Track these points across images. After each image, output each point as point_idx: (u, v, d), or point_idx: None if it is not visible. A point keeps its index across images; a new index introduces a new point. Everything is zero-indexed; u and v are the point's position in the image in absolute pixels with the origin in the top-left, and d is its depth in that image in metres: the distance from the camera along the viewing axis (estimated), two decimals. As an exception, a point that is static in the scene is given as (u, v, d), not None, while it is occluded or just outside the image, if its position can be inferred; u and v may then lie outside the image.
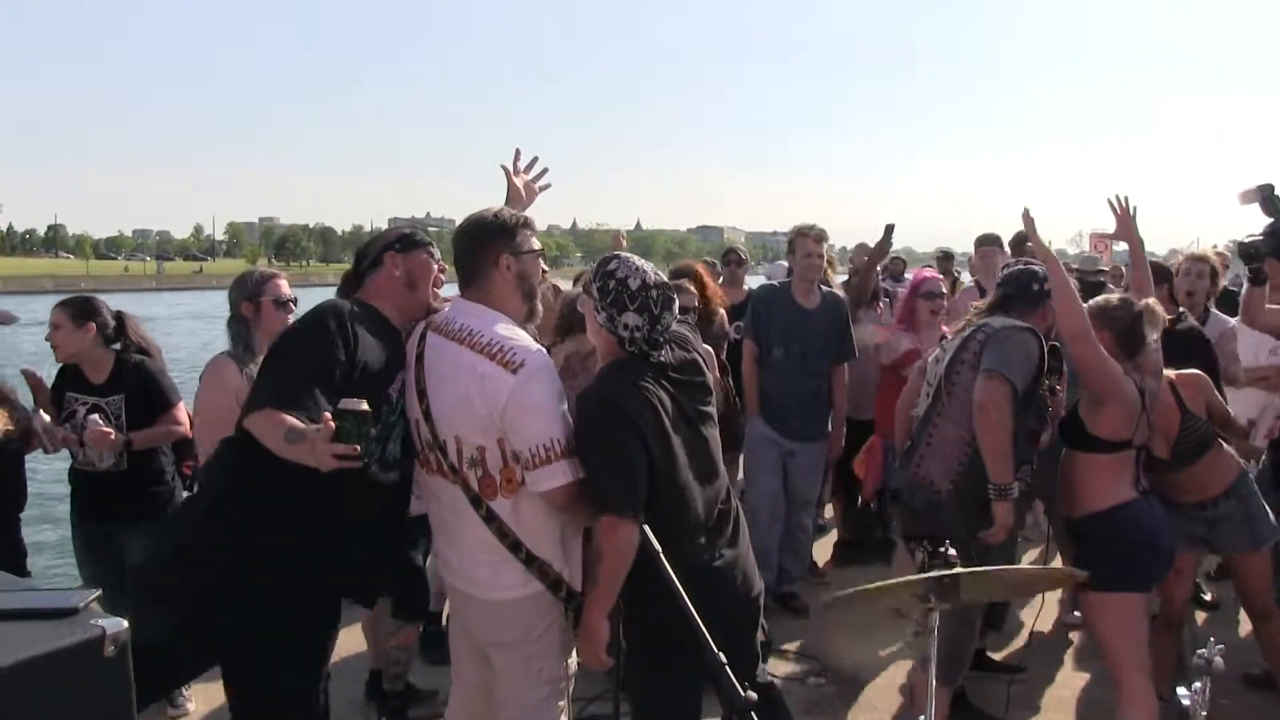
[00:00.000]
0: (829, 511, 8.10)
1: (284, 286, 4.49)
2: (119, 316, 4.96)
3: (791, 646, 5.86)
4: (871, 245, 7.27)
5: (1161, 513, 4.34)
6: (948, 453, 4.31)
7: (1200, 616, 6.27)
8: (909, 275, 8.77)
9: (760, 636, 3.67)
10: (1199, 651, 3.00)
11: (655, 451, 3.16)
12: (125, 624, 2.42)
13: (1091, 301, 4.43)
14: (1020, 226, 4.72)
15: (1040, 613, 5.07)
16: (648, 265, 3.32)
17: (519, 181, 3.98)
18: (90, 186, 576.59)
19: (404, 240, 3.47)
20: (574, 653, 3.45)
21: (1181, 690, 2.92)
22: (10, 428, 4.70)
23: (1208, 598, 6.57)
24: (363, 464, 2.81)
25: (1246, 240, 5.05)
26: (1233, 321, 6.03)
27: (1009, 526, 4.19)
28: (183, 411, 5.01)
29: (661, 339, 3.29)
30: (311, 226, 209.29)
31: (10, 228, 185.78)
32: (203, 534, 3.24)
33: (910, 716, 4.94)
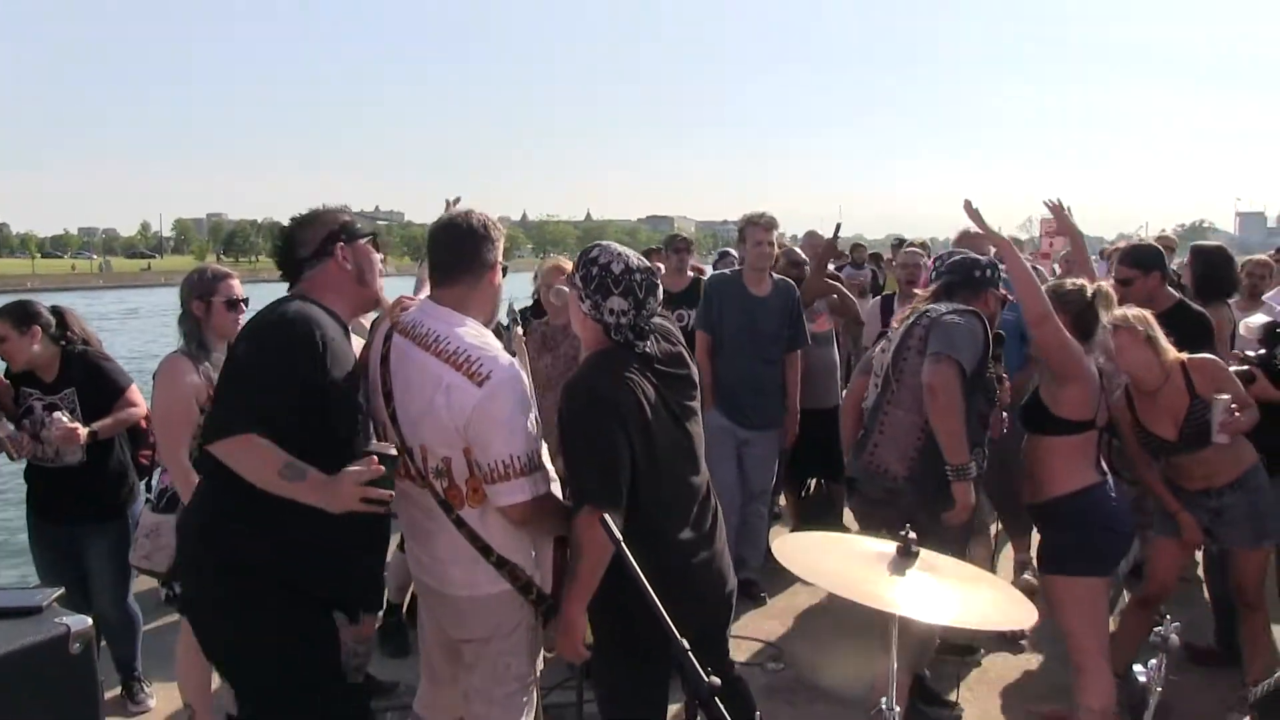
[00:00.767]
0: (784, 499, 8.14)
1: (236, 287, 4.42)
2: (57, 312, 4.94)
3: (748, 633, 5.91)
4: (822, 233, 7.33)
5: (1122, 495, 4.41)
6: (901, 439, 4.32)
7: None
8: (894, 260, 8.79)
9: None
10: (1156, 629, 3.04)
11: (639, 446, 3.16)
12: (89, 621, 2.44)
13: (1045, 287, 4.51)
14: (965, 221, 4.78)
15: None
16: (629, 251, 3.32)
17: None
18: (34, 185, 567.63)
19: (348, 230, 3.32)
20: (540, 651, 3.47)
21: (1138, 667, 2.97)
22: None
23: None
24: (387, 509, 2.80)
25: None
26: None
27: (970, 506, 4.20)
28: (136, 393, 5.00)
29: (646, 326, 3.29)
30: (260, 222, 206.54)
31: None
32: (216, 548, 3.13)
33: (869, 699, 5.00)
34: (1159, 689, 2.88)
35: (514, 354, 3.50)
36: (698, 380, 3.52)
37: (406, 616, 5.57)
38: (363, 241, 3.35)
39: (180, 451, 4.24)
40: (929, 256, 6.73)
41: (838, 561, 2.70)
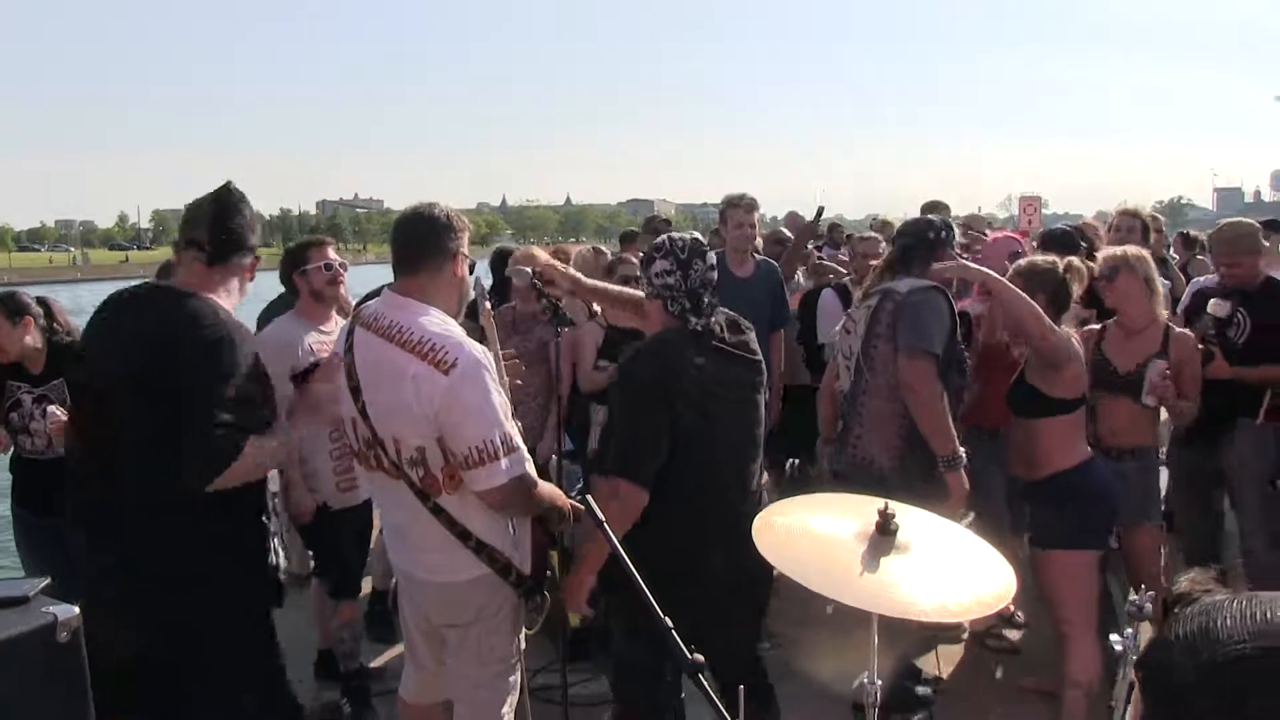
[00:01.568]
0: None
1: None
2: (43, 304, 4.93)
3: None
4: (802, 214, 7.36)
5: (1109, 469, 4.48)
6: (884, 429, 4.31)
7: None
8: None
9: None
10: (1131, 599, 3.07)
11: (688, 425, 3.33)
12: (76, 610, 2.43)
13: (1017, 266, 4.56)
14: (929, 198, 4.83)
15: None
16: (680, 233, 3.56)
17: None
18: (9, 177, 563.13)
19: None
20: (524, 630, 3.50)
21: (1114, 637, 2.99)
22: None
23: None
24: None
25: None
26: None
27: (964, 495, 4.20)
28: None
29: (703, 297, 3.45)
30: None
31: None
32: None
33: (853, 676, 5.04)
34: (1135, 658, 2.90)
35: (483, 329, 3.63)
36: (764, 370, 3.66)
37: (393, 604, 5.59)
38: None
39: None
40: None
41: (815, 547, 2.68)
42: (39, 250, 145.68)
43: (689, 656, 2.46)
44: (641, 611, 2.33)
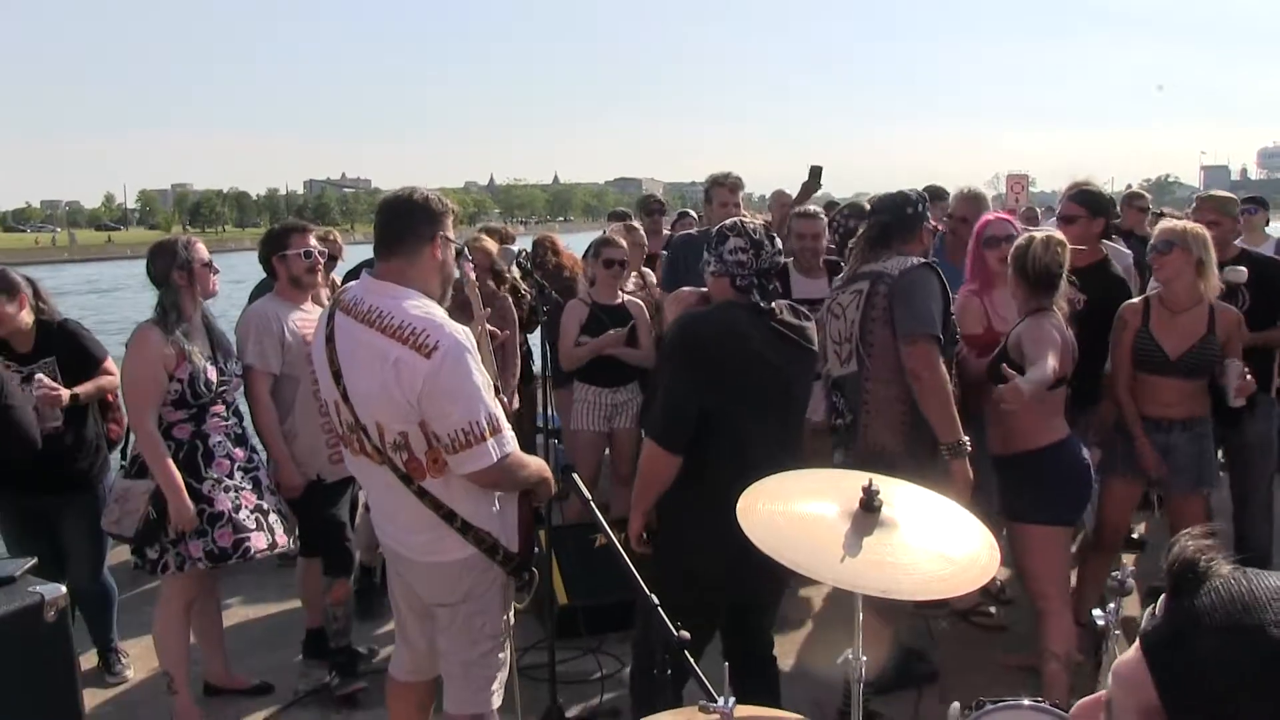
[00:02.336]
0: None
1: (204, 247, 4.58)
2: (31, 283, 4.90)
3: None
4: (789, 192, 7.29)
5: (1083, 449, 4.48)
6: (890, 413, 4.26)
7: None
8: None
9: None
10: (1113, 573, 3.10)
11: (730, 397, 3.44)
12: (63, 589, 2.45)
13: (1016, 242, 4.54)
14: (919, 178, 4.80)
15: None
16: (757, 220, 3.72)
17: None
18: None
19: None
20: (513, 606, 3.52)
21: (1096, 612, 3.00)
22: None
23: (1135, 535, 6.69)
24: None
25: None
26: (1131, 256, 6.28)
27: (969, 483, 4.15)
28: (112, 364, 4.99)
29: (770, 275, 3.57)
30: (226, 192, 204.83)
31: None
32: None
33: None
34: (1117, 632, 2.93)
35: (468, 300, 3.72)
36: (816, 356, 3.80)
37: (381, 580, 5.59)
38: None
39: (147, 418, 4.28)
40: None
41: (800, 526, 2.68)
42: (24, 231, 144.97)
43: (675, 633, 2.48)
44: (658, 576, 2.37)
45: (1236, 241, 5.67)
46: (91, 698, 4.66)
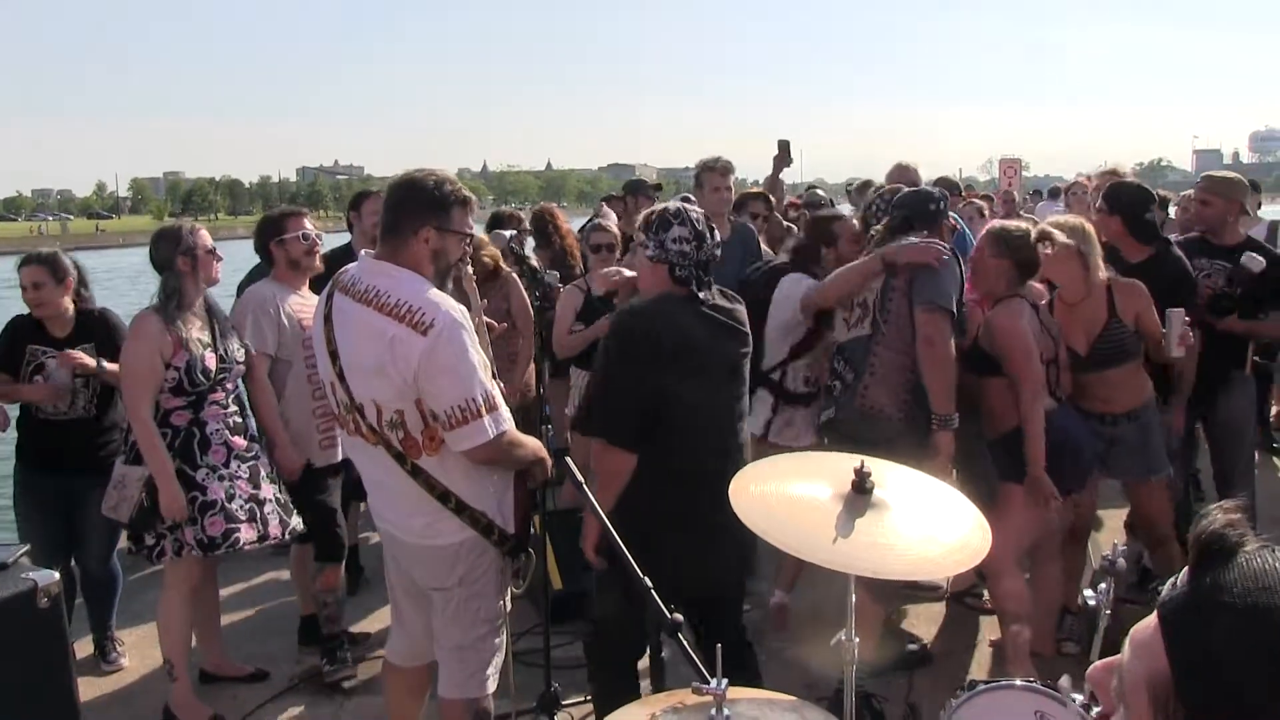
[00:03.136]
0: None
1: (207, 234, 4.60)
2: (78, 268, 4.99)
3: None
4: (782, 181, 7.31)
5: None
6: (894, 380, 4.38)
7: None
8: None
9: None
10: (1103, 554, 3.10)
11: (674, 389, 3.35)
12: (56, 576, 2.45)
13: (989, 229, 4.60)
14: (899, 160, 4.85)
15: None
16: (697, 209, 3.59)
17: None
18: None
19: None
20: (508, 590, 3.53)
21: (1088, 592, 3.01)
22: None
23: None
24: None
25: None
26: None
27: (951, 455, 4.30)
28: None
29: (708, 267, 3.52)
30: (218, 179, 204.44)
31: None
32: None
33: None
34: (1108, 612, 2.94)
35: (465, 294, 3.67)
36: (749, 341, 3.71)
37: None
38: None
39: (143, 406, 4.28)
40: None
41: (791, 508, 2.68)
42: (16, 220, 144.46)
43: (669, 616, 2.49)
44: (621, 571, 2.36)
45: (1245, 230, 5.66)
46: (86, 686, 4.67)
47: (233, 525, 4.35)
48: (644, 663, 3.55)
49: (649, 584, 2.55)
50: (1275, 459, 8.30)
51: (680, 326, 3.41)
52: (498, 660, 3.50)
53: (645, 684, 3.60)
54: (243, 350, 4.55)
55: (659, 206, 3.59)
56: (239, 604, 5.94)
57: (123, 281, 34.16)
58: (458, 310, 3.16)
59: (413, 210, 3.24)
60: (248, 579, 6.25)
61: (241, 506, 4.40)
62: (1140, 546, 5.24)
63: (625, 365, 3.42)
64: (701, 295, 3.49)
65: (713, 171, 6.31)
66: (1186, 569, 1.07)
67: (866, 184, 11.41)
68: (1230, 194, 5.47)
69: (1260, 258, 5.19)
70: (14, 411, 4.95)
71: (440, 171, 3.33)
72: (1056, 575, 4.89)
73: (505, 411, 3.21)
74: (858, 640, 2.76)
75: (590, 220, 6.65)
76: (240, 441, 4.50)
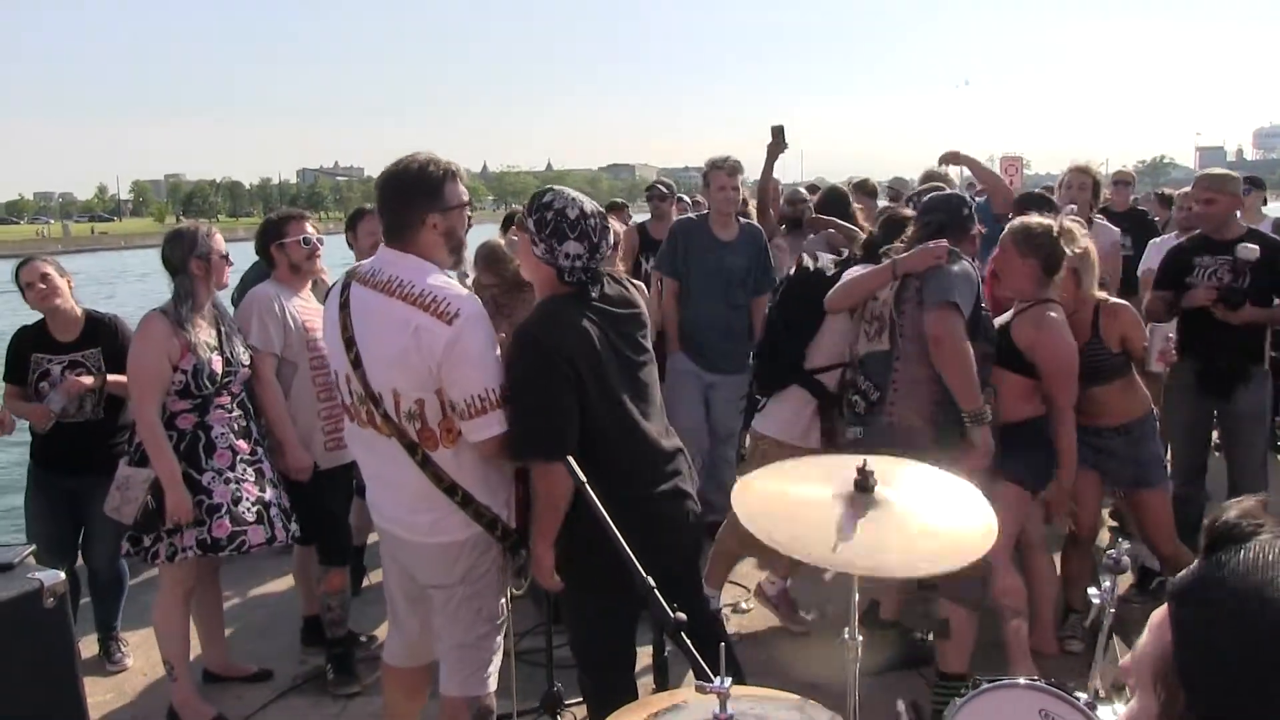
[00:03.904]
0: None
1: (221, 238, 4.61)
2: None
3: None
4: (782, 180, 7.28)
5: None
6: (919, 393, 4.29)
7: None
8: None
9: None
10: (1108, 552, 3.09)
11: (592, 390, 3.21)
12: (62, 575, 2.45)
13: (1011, 226, 4.57)
14: (930, 164, 4.82)
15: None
16: (582, 196, 3.35)
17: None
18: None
19: None
20: (509, 589, 3.53)
21: (1092, 590, 3.01)
22: None
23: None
24: None
25: None
26: (1118, 232, 6.51)
27: (989, 451, 4.22)
28: None
29: (600, 270, 3.35)
30: (219, 181, 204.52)
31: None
32: None
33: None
34: (1112, 610, 2.94)
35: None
36: (648, 321, 3.55)
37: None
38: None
39: (149, 407, 4.29)
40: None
41: (794, 509, 2.67)
42: (18, 223, 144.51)
43: (672, 615, 2.48)
44: (621, 574, 2.35)
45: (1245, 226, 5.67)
46: (92, 685, 4.66)
47: (240, 528, 4.35)
48: (644, 663, 3.54)
49: (652, 584, 2.55)
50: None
51: (576, 325, 3.24)
52: (498, 659, 3.50)
53: (645, 681, 3.59)
54: (248, 354, 4.56)
55: (557, 206, 3.27)
56: (242, 604, 5.96)
57: (123, 282, 34.22)
58: (479, 302, 3.20)
59: (409, 203, 3.24)
60: (250, 579, 6.26)
61: (249, 509, 4.39)
62: (1140, 547, 5.22)
63: (536, 378, 3.20)
64: (593, 293, 3.34)
65: (720, 170, 6.31)
66: (1200, 554, 1.10)
67: (864, 182, 11.44)
68: (1231, 190, 5.52)
69: (1254, 246, 5.24)
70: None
71: (415, 156, 3.28)
72: (1049, 564, 4.93)
73: None
74: (860, 639, 2.76)
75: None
76: (245, 445, 4.50)
